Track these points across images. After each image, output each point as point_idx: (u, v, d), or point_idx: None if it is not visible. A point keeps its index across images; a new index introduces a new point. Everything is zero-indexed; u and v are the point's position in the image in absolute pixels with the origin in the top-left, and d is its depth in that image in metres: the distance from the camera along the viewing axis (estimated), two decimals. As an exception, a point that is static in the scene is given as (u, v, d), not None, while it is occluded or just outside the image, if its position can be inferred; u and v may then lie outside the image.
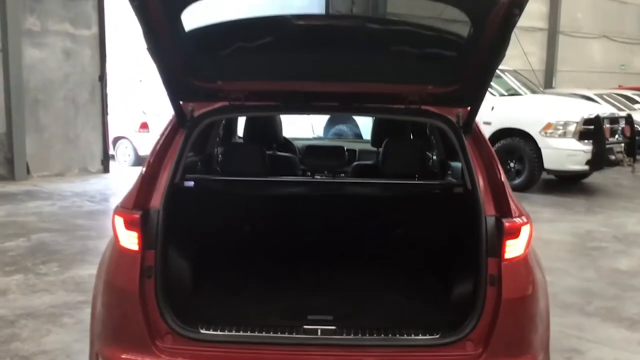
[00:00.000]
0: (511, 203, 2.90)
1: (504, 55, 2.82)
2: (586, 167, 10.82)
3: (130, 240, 2.87)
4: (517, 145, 10.95)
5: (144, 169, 3.07)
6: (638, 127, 12.30)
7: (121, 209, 2.93)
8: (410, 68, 3.26)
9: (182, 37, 2.95)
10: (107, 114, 12.60)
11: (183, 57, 3.10)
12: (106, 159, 12.67)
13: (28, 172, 11.31)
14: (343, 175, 4.68)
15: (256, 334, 2.90)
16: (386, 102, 3.44)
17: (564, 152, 10.64)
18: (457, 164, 3.82)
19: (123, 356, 2.86)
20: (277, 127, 5.12)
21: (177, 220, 3.12)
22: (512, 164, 11.01)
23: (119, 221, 2.89)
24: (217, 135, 4.87)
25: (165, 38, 2.87)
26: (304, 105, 3.57)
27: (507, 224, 2.80)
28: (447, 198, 3.89)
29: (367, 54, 3.19)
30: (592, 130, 10.69)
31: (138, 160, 13.52)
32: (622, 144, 11.30)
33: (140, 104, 14.20)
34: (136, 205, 2.89)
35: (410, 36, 3.17)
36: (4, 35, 10.83)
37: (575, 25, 22.27)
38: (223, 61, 3.26)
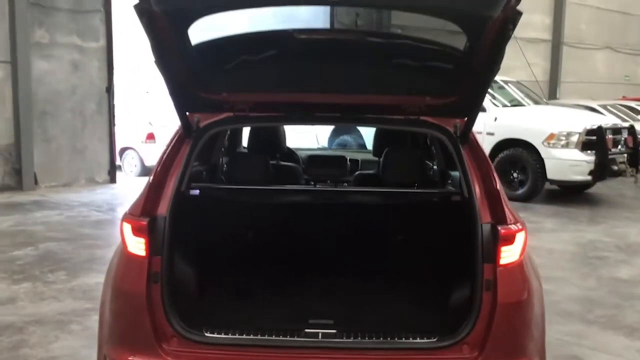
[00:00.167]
0: (506, 210, 2.98)
1: (498, 68, 2.92)
2: (589, 178, 10.85)
3: (137, 246, 2.96)
4: (520, 155, 11.00)
5: (152, 177, 3.17)
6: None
7: (129, 216, 3.02)
8: (409, 80, 3.39)
9: (188, 51, 3.07)
10: (114, 125, 12.72)
11: (189, 69, 3.21)
12: (113, 169, 12.77)
13: (36, 182, 11.42)
14: (346, 184, 4.76)
15: (259, 337, 2.98)
16: (386, 113, 3.54)
17: (567, 163, 10.70)
18: (456, 173, 3.92)
19: (130, 358, 2.95)
20: (280, 137, 5.22)
21: (182, 227, 3.21)
22: (515, 175, 11.06)
23: (127, 228, 2.99)
24: (222, 146, 4.97)
25: (172, 51, 2.98)
26: (306, 116, 3.67)
27: (502, 231, 2.89)
28: (445, 206, 3.98)
29: (368, 67, 3.32)
30: (594, 140, 10.75)
31: (144, 171, 13.61)
32: (625, 155, 11.33)
33: (146, 115, 14.31)
34: (144, 213, 2.99)
35: (410, 50, 3.30)
36: (13, 47, 10.97)
37: (579, 36, 22.33)
38: (228, 74, 3.38)
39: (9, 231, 8.22)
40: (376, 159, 5.04)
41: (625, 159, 11.28)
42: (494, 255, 2.89)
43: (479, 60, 2.95)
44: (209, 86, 3.36)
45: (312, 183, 4.77)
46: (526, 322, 2.99)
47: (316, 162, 4.70)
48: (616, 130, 11.46)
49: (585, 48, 22.67)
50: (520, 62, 19.27)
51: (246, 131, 5.59)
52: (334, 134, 12.60)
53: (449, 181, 4.35)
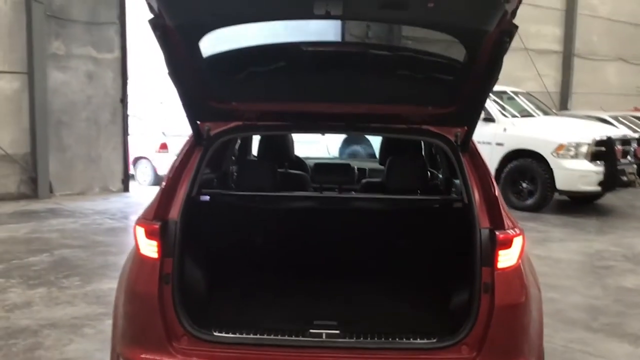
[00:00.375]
0: (504, 216, 3.08)
1: (496, 79, 3.04)
2: (598, 188, 10.87)
3: (150, 248, 3.09)
4: (530, 166, 11.03)
5: (164, 183, 3.30)
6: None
7: (142, 220, 3.15)
8: (412, 91, 3.52)
9: (199, 63, 3.21)
10: (127, 134, 12.88)
11: (200, 80, 3.35)
12: (126, 178, 12.92)
13: (51, 190, 11.60)
14: (353, 192, 4.88)
15: (265, 336, 3.09)
16: (390, 122, 3.66)
17: (576, 173, 10.73)
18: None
19: (142, 356, 3.06)
20: (289, 146, 5.35)
21: (193, 231, 3.33)
22: (524, 185, 11.11)
23: (140, 231, 3.11)
24: (233, 154, 5.10)
25: (184, 63, 3.13)
26: (312, 124, 3.80)
27: (500, 236, 2.99)
28: (446, 212, 4.09)
29: (373, 78, 3.45)
30: (603, 151, 10.80)
31: (157, 180, 13.74)
32: (634, 165, 11.37)
33: (160, 125, 14.49)
34: (156, 217, 3.12)
35: (412, 61, 3.43)
36: (30, 58, 11.18)
37: (591, 48, 22.32)
38: (237, 84, 3.53)
39: (25, 238, 8.38)
40: (382, 167, 5.15)
41: (635, 170, 11.31)
42: (492, 259, 2.98)
43: (478, 72, 3.07)
44: (219, 96, 3.50)
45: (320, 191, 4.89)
46: (523, 324, 3.07)
47: (322, 169, 4.82)
48: (625, 141, 11.51)
49: (597, 59, 22.66)
50: (531, 73, 19.38)
51: (256, 140, 5.72)
52: (345, 145, 12.71)
53: (453, 189, 4.46)
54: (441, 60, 3.28)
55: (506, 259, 3.00)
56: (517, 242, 3.03)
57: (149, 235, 3.08)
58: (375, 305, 3.71)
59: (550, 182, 10.84)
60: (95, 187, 12.39)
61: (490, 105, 11.58)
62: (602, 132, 11.42)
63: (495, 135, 11.31)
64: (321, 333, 3.08)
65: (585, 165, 10.74)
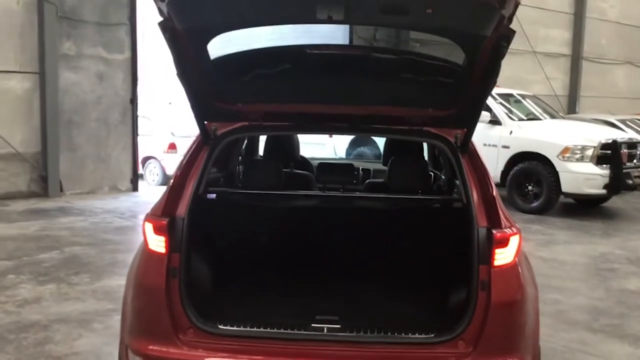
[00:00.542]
0: (501, 215, 3.16)
1: (495, 82, 3.13)
2: (604, 191, 10.90)
3: (158, 244, 3.19)
4: (535, 168, 11.07)
5: (172, 181, 3.40)
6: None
7: (151, 216, 3.26)
8: (413, 93, 3.62)
9: (208, 64, 3.32)
10: (137, 134, 12.98)
11: (208, 82, 3.46)
12: (135, 178, 13.00)
13: (61, 189, 11.70)
14: (358, 193, 4.96)
15: (268, 330, 3.18)
16: (392, 123, 3.75)
17: (582, 176, 10.75)
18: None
19: (150, 347, 3.16)
20: (294, 146, 5.45)
21: (199, 228, 3.43)
22: (530, 187, 11.14)
23: (149, 227, 3.22)
24: (239, 154, 5.20)
25: (192, 65, 3.24)
26: (317, 125, 3.89)
27: (497, 234, 3.07)
28: (446, 211, 4.17)
29: (375, 80, 3.55)
30: (609, 154, 10.83)
31: (165, 180, 13.78)
32: (640, 169, 11.42)
33: (169, 125, 14.61)
34: (164, 213, 3.22)
35: (414, 64, 3.53)
36: (41, 59, 11.29)
37: (599, 51, 22.31)
38: (243, 85, 3.65)
39: (35, 235, 8.49)
40: (385, 168, 5.24)
41: (641, 173, 11.34)
42: (489, 257, 3.06)
43: (477, 75, 3.16)
44: (226, 97, 3.61)
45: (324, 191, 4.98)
46: (519, 321, 3.15)
47: (325, 169, 4.90)
48: (631, 145, 11.53)
49: (606, 63, 22.64)
50: (539, 76, 19.40)
51: (262, 141, 5.82)
52: (351, 146, 12.78)
53: (455, 189, 4.54)
54: (441, 64, 3.38)
55: (503, 257, 3.07)
56: (514, 240, 3.10)
57: (157, 230, 3.18)
58: (376, 302, 3.80)
59: (555, 185, 10.87)
60: (104, 186, 12.49)
61: (497, 108, 11.63)
62: (608, 135, 11.44)
63: (502, 138, 11.36)
64: (323, 327, 3.17)
65: (591, 168, 10.77)
